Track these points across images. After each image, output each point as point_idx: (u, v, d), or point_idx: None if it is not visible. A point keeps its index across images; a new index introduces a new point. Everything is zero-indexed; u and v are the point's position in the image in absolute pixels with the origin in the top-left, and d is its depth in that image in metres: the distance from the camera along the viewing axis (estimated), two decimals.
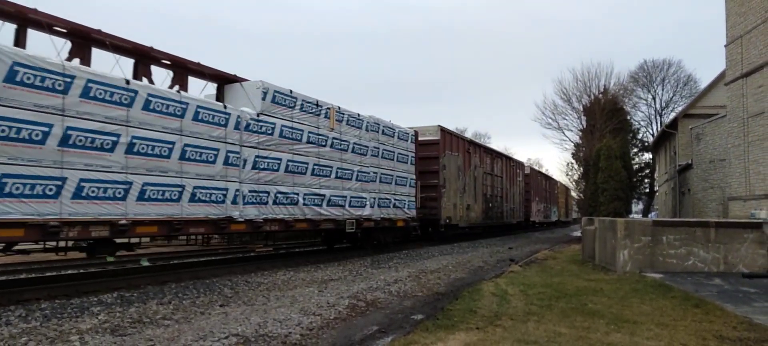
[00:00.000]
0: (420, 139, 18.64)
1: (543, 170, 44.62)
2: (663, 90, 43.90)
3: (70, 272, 10.91)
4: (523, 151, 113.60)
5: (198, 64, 10.86)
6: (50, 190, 7.34)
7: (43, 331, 5.61)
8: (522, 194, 31.55)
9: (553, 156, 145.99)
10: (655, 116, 43.67)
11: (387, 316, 6.82)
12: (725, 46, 16.67)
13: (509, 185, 29.50)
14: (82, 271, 11.08)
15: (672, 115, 33.26)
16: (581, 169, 31.76)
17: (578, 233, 29.33)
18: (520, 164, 32.21)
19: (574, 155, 34.68)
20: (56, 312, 6.54)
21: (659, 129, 35.08)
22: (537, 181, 34.43)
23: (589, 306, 7.32)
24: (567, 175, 41.70)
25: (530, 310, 6.99)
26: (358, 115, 14.61)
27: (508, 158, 30.51)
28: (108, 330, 5.73)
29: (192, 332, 5.68)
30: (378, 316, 6.82)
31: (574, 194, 49.23)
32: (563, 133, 32.20)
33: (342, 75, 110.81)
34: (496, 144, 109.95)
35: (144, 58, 9.98)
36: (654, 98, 43.96)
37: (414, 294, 8.60)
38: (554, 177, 44.27)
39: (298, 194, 12.07)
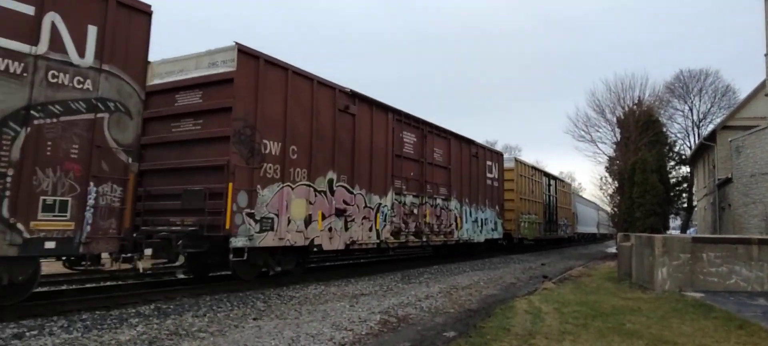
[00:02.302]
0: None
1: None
2: (700, 101, 42.73)
3: (109, 283, 11.19)
4: (554, 165, 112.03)
5: None
6: None
7: (84, 342, 5.77)
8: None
9: (585, 169, 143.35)
10: (693, 128, 42.51)
11: (419, 333, 6.78)
12: (765, 55, 16.18)
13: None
14: (120, 283, 11.35)
15: (710, 127, 32.35)
16: (615, 183, 31.06)
17: (613, 250, 28.65)
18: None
19: (607, 169, 33.92)
20: (96, 323, 6.72)
21: (697, 141, 34.15)
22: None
23: (626, 326, 7.14)
24: (601, 189, 40.70)
25: (565, 329, 6.86)
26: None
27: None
28: (146, 342, 5.86)
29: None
30: (410, 332, 6.80)
31: (607, 207, 48.13)
32: (596, 145, 31.54)
33: (368, 83, 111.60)
34: (526, 157, 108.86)
35: None
36: (691, 110, 42.83)
37: (445, 310, 8.53)
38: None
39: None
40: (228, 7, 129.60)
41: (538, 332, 6.60)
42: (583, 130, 31.48)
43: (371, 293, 10.18)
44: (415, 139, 15.56)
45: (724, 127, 26.39)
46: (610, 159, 31.77)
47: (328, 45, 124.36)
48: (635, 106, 29.01)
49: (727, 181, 24.14)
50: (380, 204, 13.69)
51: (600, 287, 11.86)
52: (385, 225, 13.80)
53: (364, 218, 13.00)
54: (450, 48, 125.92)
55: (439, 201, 16.79)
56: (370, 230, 13.25)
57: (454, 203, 17.80)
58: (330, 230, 11.86)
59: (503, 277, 14.15)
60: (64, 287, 10.17)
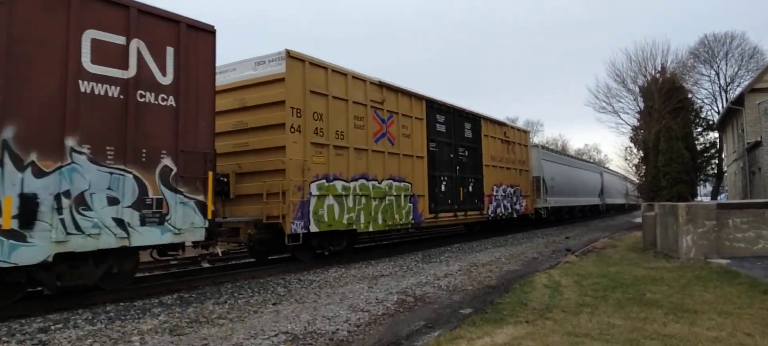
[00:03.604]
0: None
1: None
2: (727, 65, 41.31)
3: (136, 275, 11.46)
4: (577, 138, 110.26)
5: None
6: None
7: (108, 333, 5.94)
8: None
9: (609, 141, 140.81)
10: (720, 93, 41.19)
11: (435, 311, 6.80)
12: None
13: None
14: (146, 274, 11.62)
15: (738, 91, 31.36)
16: (640, 153, 30.41)
17: (640, 220, 28.18)
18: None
19: (632, 139, 33.20)
20: (120, 314, 6.91)
21: (725, 106, 33.18)
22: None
23: (647, 296, 7.04)
24: (626, 159, 39.82)
25: (583, 302, 6.80)
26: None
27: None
28: (167, 330, 6.01)
29: (244, 331, 5.87)
30: (426, 311, 6.82)
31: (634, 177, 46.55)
32: (619, 116, 30.87)
33: (389, 66, 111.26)
34: (549, 132, 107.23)
35: None
36: (718, 74, 41.46)
37: (464, 288, 8.53)
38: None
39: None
40: None
41: (556, 306, 6.56)
42: (604, 102, 30.88)
43: (391, 274, 10.23)
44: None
45: (752, 90, 25.57)
46: (634, 129, 31.13)
47: (341, 29, 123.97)
48: (658, 74, 28.29)
49: (757, 144, 23.46)
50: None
51: (623, 258, 11.70)
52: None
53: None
54: (471, 28, 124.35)
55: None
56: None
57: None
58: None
59: (525, 252, 14.06)
60: None
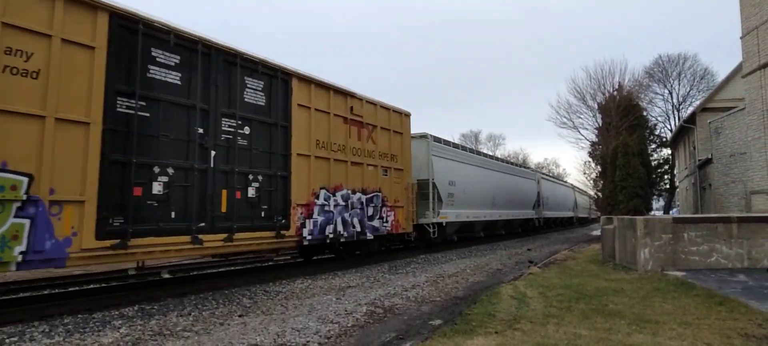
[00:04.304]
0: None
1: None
2: (680, 85, 43.41)
3: (92, 286, 11.05)
4: (538, 152, 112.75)
5: None
6: None
7: None
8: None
9: (569, 156, 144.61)
10: (673, 111, 43.17)
11: (405, 322, 6.80)
12: (741, 38, 16.40)
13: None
14: (104, 285, 11.22)
15: (690, 110, 32.77)
16: (598, 167, 31.39)
17: (598, 232, 28.95)
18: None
19: (590, 154, 34.26)
20: (79, 327, 6.63)
21: (677, 124, 34.60)
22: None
23: (609, 307, 7.23)
24: (584, 173, 40.98)
25: (550, 312, 6.93)
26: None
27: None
28: (129, 343, 5.80)
29: (211, 343, 5.72)
30: (396, 322, 6.81)
31: (591, 191, 46.38)
32: (578, 131, 31.88)
33: (355, 75, 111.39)
34: (511, 146, 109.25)
35: None
36: (671, 93, 43.48)
37: (432, 299, 8.56)
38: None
39: None
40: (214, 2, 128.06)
41: (523, 317, 6.65)
42: (565, 117, 31.81)
43: (358, 285, 10.18)
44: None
45: (703, 109, 26.76)
46: (593, 144, 32.12)
47: (314, 41, 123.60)
48: (616, 92, 29.35)
49: (708, 161, 24.51)
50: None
51: (584, 269, 11.99)
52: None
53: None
54: (434, 41, 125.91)
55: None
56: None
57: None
58: None
59: (489, 264, 14.23)
60: (46, 292, 10.02)
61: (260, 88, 10.61)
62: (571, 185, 49.33)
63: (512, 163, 32.08)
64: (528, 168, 35.02)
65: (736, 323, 6.03)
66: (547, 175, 42.37)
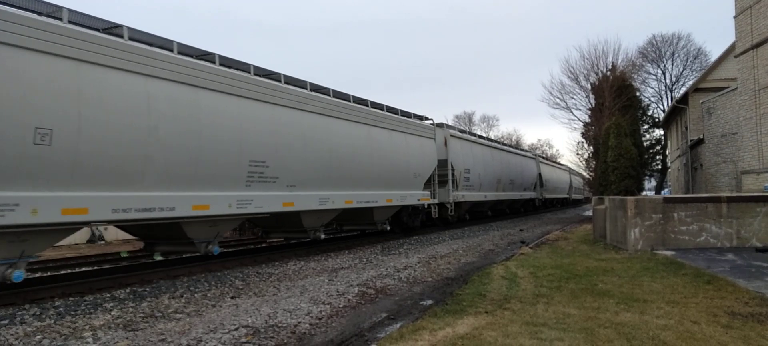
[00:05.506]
0: None
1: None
2: (673, 65, 43.36)
3: (84, 269, 11.05)
4: (531, 133, 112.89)
5: None
6: None
7: (57, 328, 5.70)
8: None
9: (562, 136, 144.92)
10: (666, 92, 43.19)
11: (396, 302, 6.84)
12: (734, 17, 16.37)
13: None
14: (96, 268, 11.21)
15: (682, 90, 32.86)
16: (591, 148, 31.48)
17: (590, 213, 29.16)
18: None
19: (583, 134, 34.32)
20: (70, 309, 6.63)
21: (670, 104, 34.67)
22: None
23: (599, 286, 7.29)
24: (577, 154, 41.08)
25: (540, 292, 6.98)
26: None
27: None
28: (121, 325, 5.81)
29: (203, 325, 5.74)
30: (387, 303, 6.85)
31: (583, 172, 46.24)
32: (572, 112, 31.87)
33: (352, 63, 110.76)
34: (504, 127, 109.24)
35: None
36: (664, 73, 43.45)
37: (424, 280, 8.61)
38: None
39: None
40: None
41: (513, 297, 6.71)
42: (558, 98, 31.79)
43: (350, 267, 10.22)
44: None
45: (696, 89, 26.78)
46: (586, 125, 32.17)
47: (309, 28, 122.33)
48: (609, 72, 29.29)
49: (699, 141, 24.62)
50: None
51: (575, 249, 12.08)
52: None
53: None
54: (428, 23, 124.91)
55: None
56: None
57: None
58: None
59: (482, 244, 14.31)
60: (37, 275, 10.01)
61: None
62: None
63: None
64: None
65: (723, 302, 6.11)
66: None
